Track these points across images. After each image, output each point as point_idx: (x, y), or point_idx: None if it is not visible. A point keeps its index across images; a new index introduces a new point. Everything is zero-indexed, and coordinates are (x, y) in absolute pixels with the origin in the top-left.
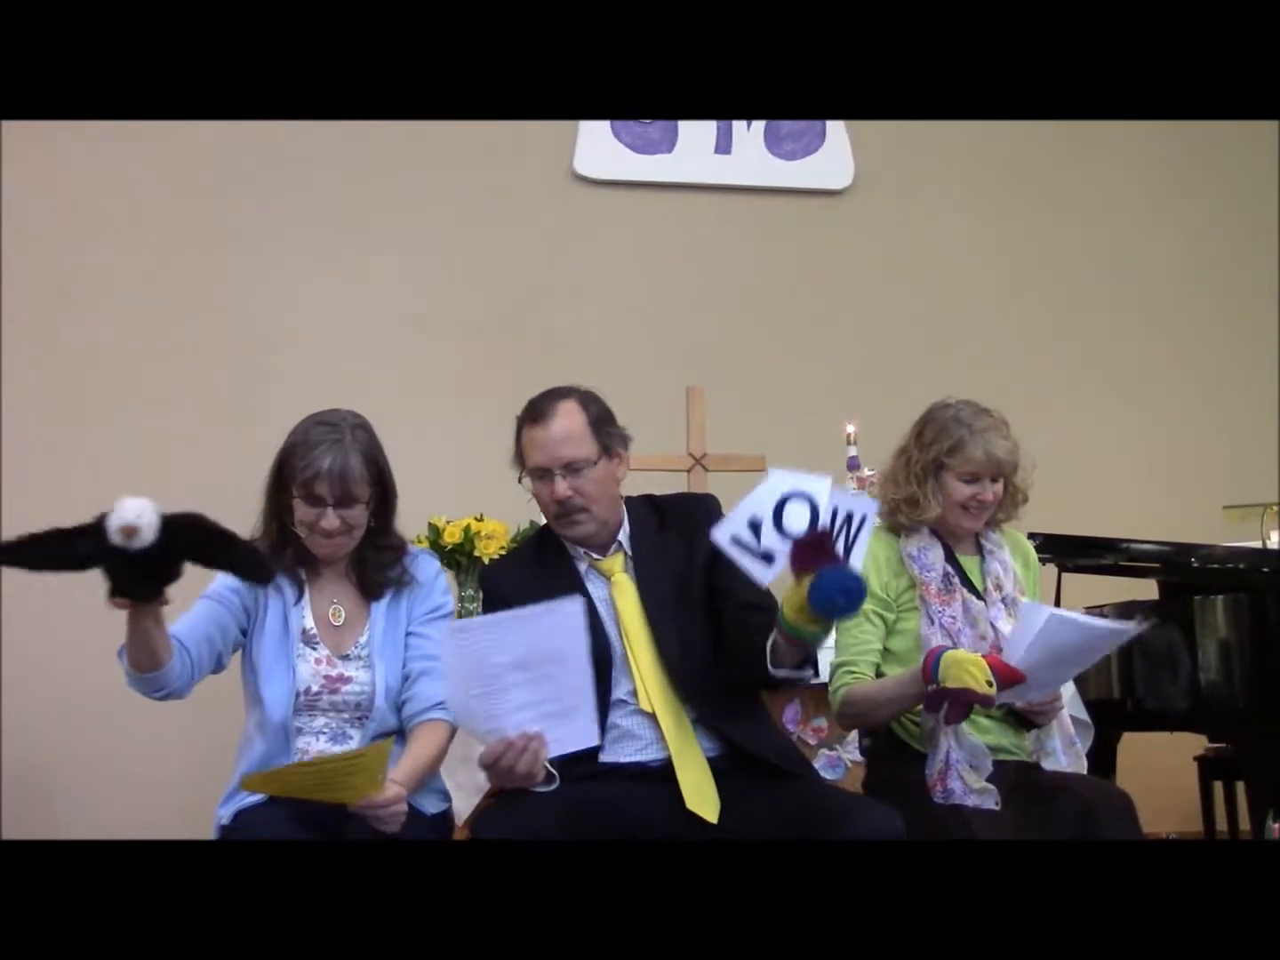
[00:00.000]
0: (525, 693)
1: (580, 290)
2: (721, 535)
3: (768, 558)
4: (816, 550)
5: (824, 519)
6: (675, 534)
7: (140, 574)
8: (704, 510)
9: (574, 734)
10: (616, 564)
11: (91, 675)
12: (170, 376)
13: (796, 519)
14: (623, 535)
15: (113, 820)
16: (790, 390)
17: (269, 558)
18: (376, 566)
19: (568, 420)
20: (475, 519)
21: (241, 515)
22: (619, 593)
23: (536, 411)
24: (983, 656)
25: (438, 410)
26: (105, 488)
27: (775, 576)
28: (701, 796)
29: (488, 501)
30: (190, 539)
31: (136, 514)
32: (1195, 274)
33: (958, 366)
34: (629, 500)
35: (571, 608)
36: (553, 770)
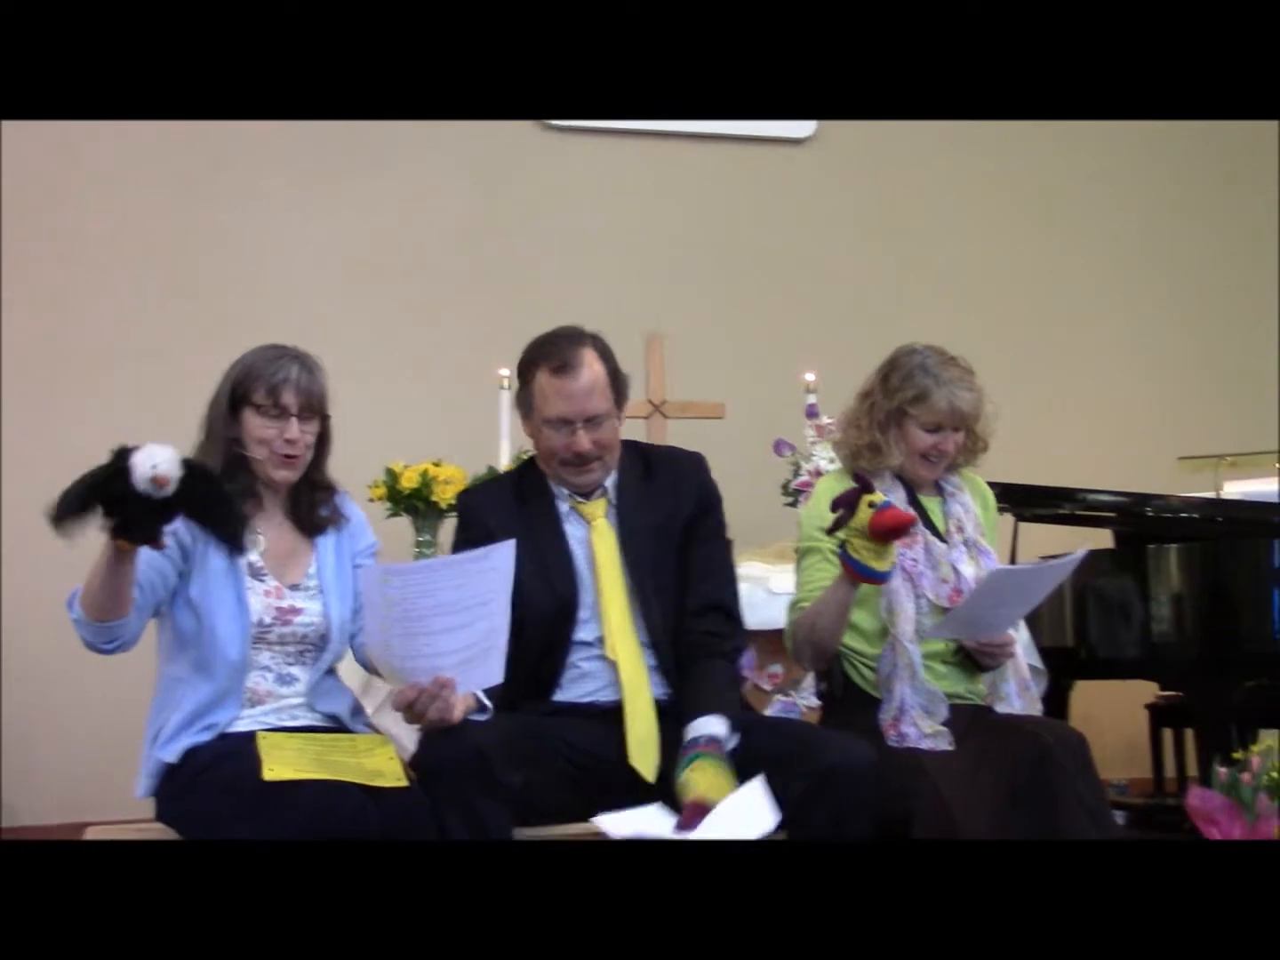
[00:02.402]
0: (447, 639)
1: (542, 237)
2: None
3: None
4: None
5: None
6: (660, 487)
7: (150, 518)
8: (694, 468)
9: (483, 674)
10: (599, 509)
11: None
12: (130, 322)
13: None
14: (608, 480)
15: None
16: (750, 338)
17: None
18: (311, 505)
19: (592, 372)
20: (432, 464)
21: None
22: (598, 538)
23: (559, 359)
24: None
25: (397, 356)
26: (70, 433)
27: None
28: (644, 752)
29: (444, 446)
30: (199, 492)
31: (171, 465)
32: (1154, 228)
33: (917, 316)
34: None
35: (503, 553)
36: (484, 701)
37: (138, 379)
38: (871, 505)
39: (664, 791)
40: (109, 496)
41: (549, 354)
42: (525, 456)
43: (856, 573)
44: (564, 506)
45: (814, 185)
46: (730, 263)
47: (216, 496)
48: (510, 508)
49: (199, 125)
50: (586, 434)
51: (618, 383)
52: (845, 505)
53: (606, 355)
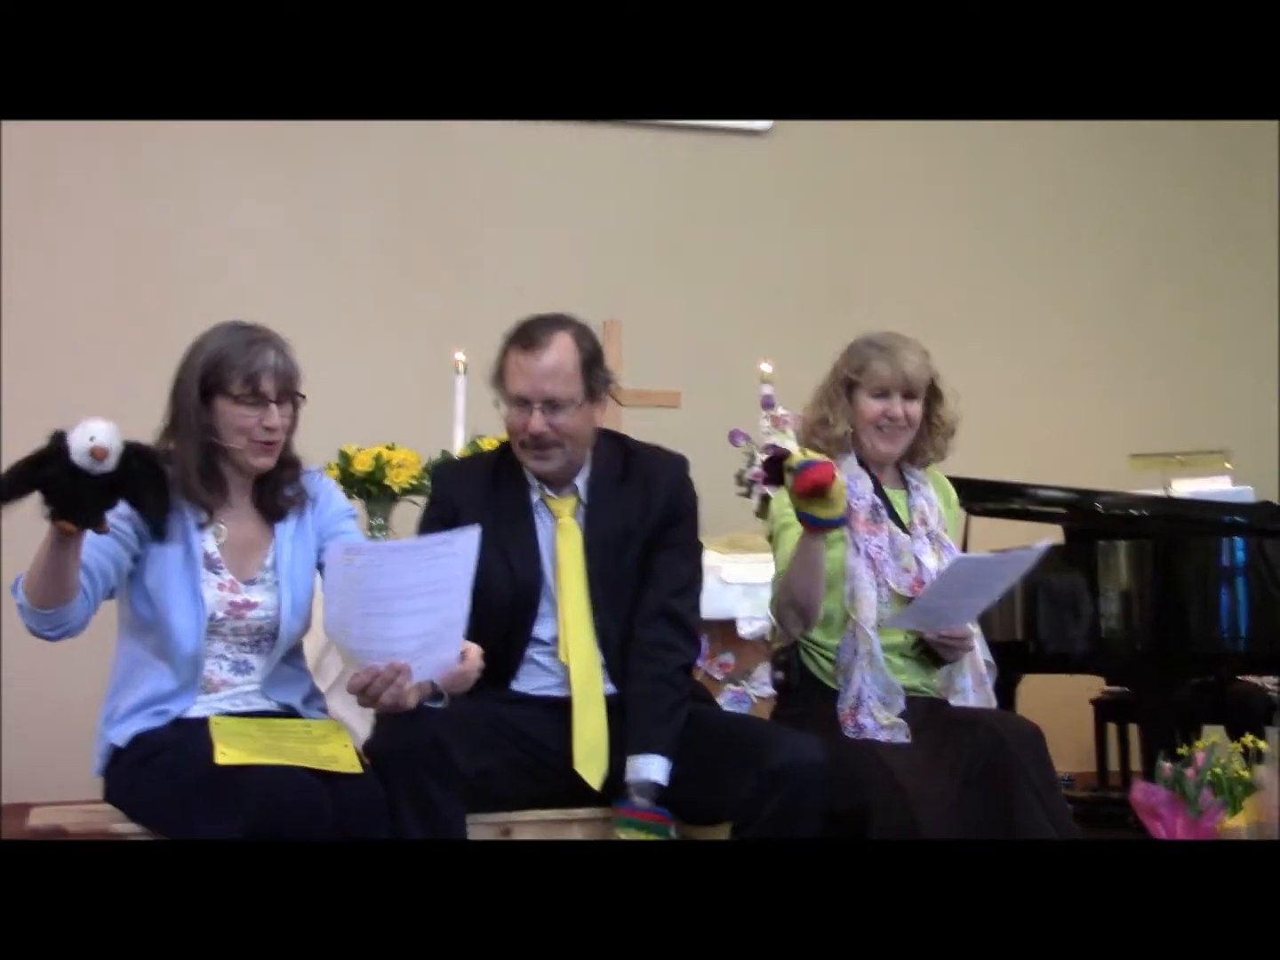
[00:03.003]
0: (405, 624)
1: (499, 222)
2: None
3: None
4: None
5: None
6: (634, 490)
7: (91, 497)
8: (673, 472)
9: (439, 662)
10: (568, 507)
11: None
12: (73, 296)
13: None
14: (581, 478)
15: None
16: (707, 327)
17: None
18: (275, 485)
19: (559, 355)
20: (386, 447)
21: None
22: (563, 537)
23: (529, 338)
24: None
25: (351, 337)
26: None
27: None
28: (591, 759)
29: (399, 429)
30: (138, 470)
31: (109, 437)
32: (1108, 225)
33: (873, 307)
34: (603, 433)
35: (467, 539)
36: (440, 688)
37: (87, 366)
38: (790, 470)
39: (612, 792)
40: (46, 478)
41: (522, 332)
42: (480, 440)
43: (810, 525)
44: (535, 497)
45: (772, 176)
46: (688, 252)
47: (156, 475)
48: (482, 489)
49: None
50: (542, 416)
51: (592, 373)
52: (770, 473)
53: (583, 342)
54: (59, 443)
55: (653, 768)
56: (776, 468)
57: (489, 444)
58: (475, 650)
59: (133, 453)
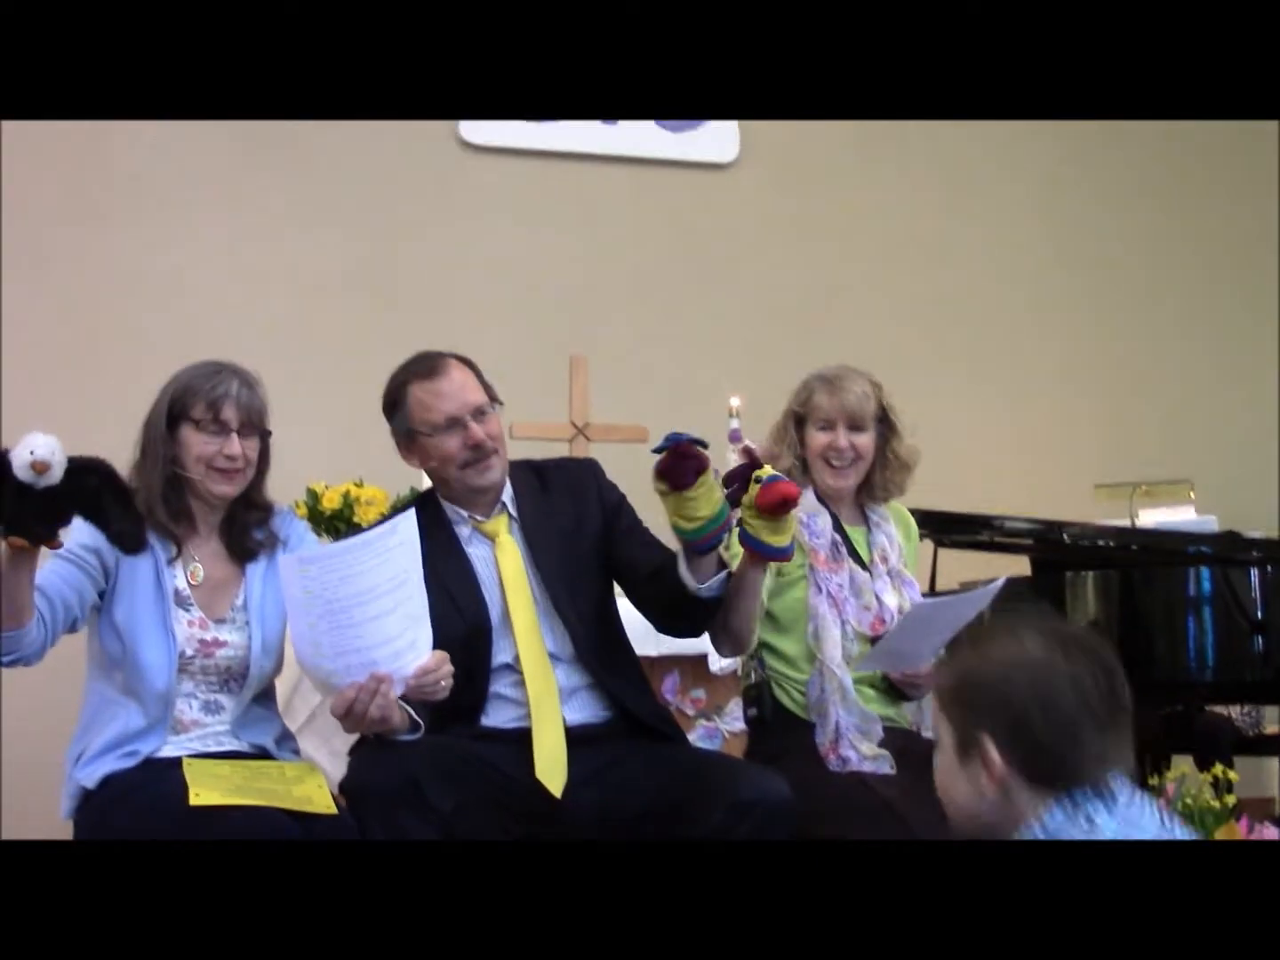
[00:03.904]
0: (374, 629)
1: (464, 257)
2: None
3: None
4: (684, 460)
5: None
6: (560, 497)
7: (40, 513)
8: (589, 474)
9: (414, 659)
10: (501, 525)
11: None
12: (51, 330)
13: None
14: (506, 497)
15: None
16: (674, 362)
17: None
18: (244, 527)
19: (461, 373)
20: (355, 484)
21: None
22: (502, 553)
23: (427, 368)
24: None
25: (317, 374)
26: None
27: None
28: (552, 768)
29: (366, 467)
30: (91, 485)
31: (49, 450)
32: (1070, 254)
33: (839, 341)
34: (511, 464)
35: (408, 523)
36: (416, 717)
37: (61, 396)
38: (758, 480)
39: (573, 810)
40: None
41: (414, 367)
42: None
43: (755, 551)
44: (465, 531)
45: (738, 209)
46: (654, 286)
47: (113, 488)
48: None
49: (115, 143)
50: (479, 425)
51: (487, 385)
52: (737, 480)
53: (469, 363)
54: (1, 457)
55: None
56: (747, 473)
57: None
58: (440, 655)
59: (83, 467)
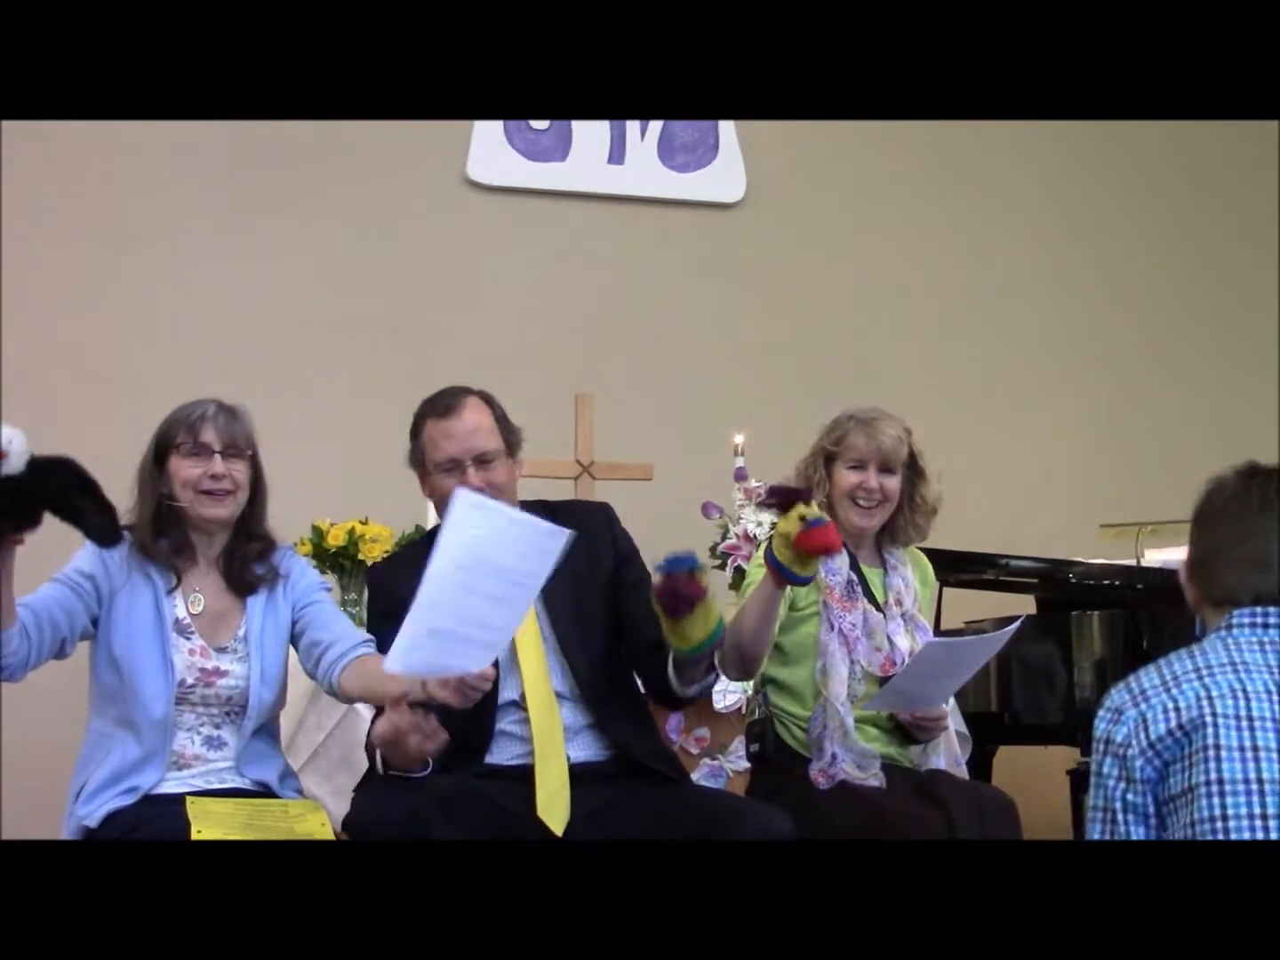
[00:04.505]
0: (487, 609)
1: (471, 295)
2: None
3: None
4: (680, 591)
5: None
6: (574, 538)
7: (2, 506)
8: (603, 518)
9: (484, 660)
10: None
11: None
12: (50, 371)
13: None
14: None
15: None
16: (679, 400)
17: (117, 523)
18: (244, 560)
19: (476, 414)
20: (360, 522)
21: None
22: None
23: (443, 405)
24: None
25: (323, 413)
26: None
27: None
28: (553, 805)
29: (371, 505)
30: (56, 480)
31: (8, 439)
32: (1077, 300)
33: (846, 380)
34: (522, 504)
35: (560, 540)
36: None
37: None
38: (802, 519)
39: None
40: None
41: (432, 404)
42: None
43: (777, 571)
44: None
45: (743, 248)
46: (659, 325)
47: (79, 482)
48: (414, 578)
49: (107, 166)
50: (477, 472)
51: (507, 429)
52: (779, 501)
53: (492, 404)
54: None
55: None
56: (789, 500)
57: None
58: (492, 671)
59: (49, 463)
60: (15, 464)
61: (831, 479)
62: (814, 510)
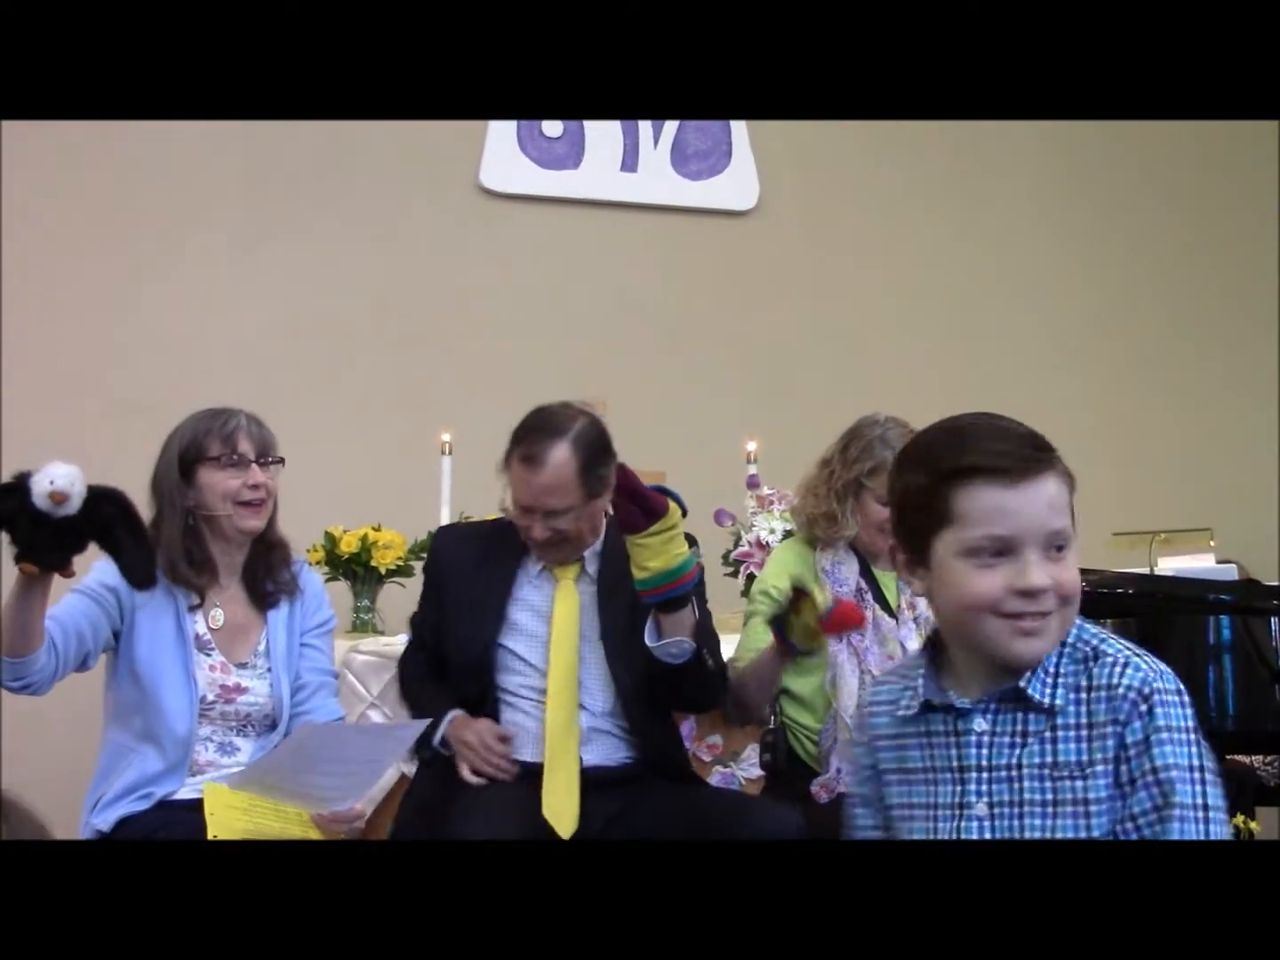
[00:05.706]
0: (317, 780)
1: (483, 303)
2: None
3: None
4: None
5: None
6: None
7: (54, 541)
8: None
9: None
10: (571, 572)
11: None
12: (60, 379)
13: None
14: (589, 551)
15: None
16: (691, 407)
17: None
18: (267, 569)
19: (557, 471)
20: (373, 529)
21: None
22: (561, 595)
23: (530, 451)
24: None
25: (335, 420)
26: None
27: None
28: (561, 808)
29: (385, 512)
30: (106, 515)
31: (69, 481)
32: (1092, 306)
33: (858, 388)
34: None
35: (419, 728)
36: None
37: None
38: (820, 616)
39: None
40: (5, 515)
41: (523, 440)
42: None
43: (793, 651)
44: (536, 567)
45: (756, 255)
46: (672, 332)
47: (127, 520)
48: (473, 548)
49: (116, 172)
50: (543, 524)
51: (591, 475)
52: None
53: (582, 449)
54: (22, 482)
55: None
56: (796, 598)
57: None
58: (359, 808)
59: (101, 496)
60: (74, 506)
61: (861, 507)
62: (825, 599)
